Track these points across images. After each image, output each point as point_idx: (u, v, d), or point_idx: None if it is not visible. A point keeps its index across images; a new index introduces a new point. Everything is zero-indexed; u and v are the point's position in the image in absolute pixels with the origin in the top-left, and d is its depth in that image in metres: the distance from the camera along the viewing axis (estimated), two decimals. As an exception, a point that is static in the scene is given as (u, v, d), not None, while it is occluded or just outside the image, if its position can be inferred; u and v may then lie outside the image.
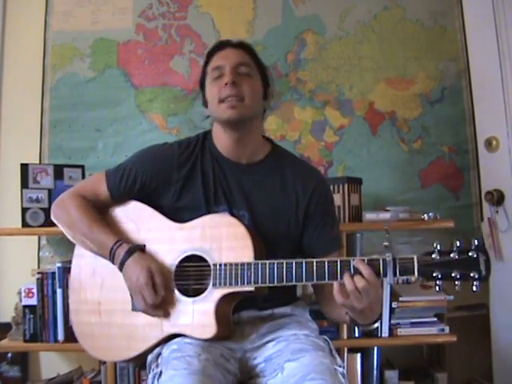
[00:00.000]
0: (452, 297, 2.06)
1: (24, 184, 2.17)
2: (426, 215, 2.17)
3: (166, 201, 1.49)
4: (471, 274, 1.20)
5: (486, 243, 2.35)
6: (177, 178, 1.48)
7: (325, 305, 1.51)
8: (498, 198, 2.27)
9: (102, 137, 2.48)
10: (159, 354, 1.39)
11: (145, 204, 1.50)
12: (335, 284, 1.25)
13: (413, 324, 2.09)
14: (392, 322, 2.08)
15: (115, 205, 1.53)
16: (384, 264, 1.24)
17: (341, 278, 1.26)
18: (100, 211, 1.52)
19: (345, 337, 2.08)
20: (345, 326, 2.08)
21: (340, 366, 1.31)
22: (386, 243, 1.25)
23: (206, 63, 1.52)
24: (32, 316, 2.09)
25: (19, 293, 2.15)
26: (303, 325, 1.47)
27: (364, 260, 1.26)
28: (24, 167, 2.18)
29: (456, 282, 1.22)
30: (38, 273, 2.11)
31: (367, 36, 2.54)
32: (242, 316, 1.44)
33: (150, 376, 1.36)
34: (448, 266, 1.21)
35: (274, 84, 1.59)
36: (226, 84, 1.42)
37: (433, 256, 1.23)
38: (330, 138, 2.51)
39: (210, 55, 1.52)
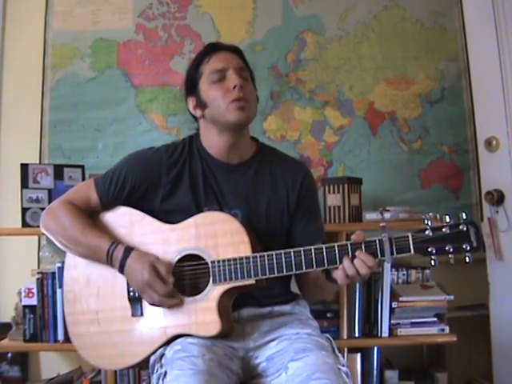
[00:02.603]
0: (452, 297, 2.07)
1: (24, 184, 2.17)
2: (425, 215, 2.17)
3: (155, 204, 1.49)
4: (463, 246, 1.26)
5: (486, 243, 2.35)
6: (166, 181, 1.48)
7: (306, 288, 1.55)
8: (498, 198, 2.26)
9: (102, 137, 2.48)
10: (162, 355, 1.39)
11: (134, 209, 1.50)
12: (339, 271, 1.29)
13: (413, 324, 2.09)
14: (392, 321, 2.08)
15: (105, 211, 1.52)
16: (381, 245, 1.28)
17: (340, 262, 1.30)
18: (91, 217, 1.51)
19: (345, 337, 2.08)
20: (345, 326, 2.08)
21: (343, 366, 1.32)
22: (382, 224, 1.29)
23: (199, 65, 1.50)
24: (32, 316, 2.08)
25: (19, 293, 2.14)
26: (305, 323, 1.47)
27: (361, 246, 1.28)
28: (24, 167, 2.18)
29: (450, 256, 1.27)
30: (38, 273, 2.10)
31: (367, 36, 2.54)
32: (241, 314, 1.45)
33: (155, 376, 1.35)
34: (441, 241, 1.27)
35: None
36: (235, 87, 1.43)
37: (426, 232, 1.28)
38: (330, 137, 2.51)
39: (204, 57, 1.50)
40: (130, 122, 2.49)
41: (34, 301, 2.08)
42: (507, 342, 2.20)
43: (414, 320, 2.09)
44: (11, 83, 2.50)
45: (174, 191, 1.48)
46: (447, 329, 2.09)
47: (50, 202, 2.15)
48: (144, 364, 1.46)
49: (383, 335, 2.09)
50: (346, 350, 2.08)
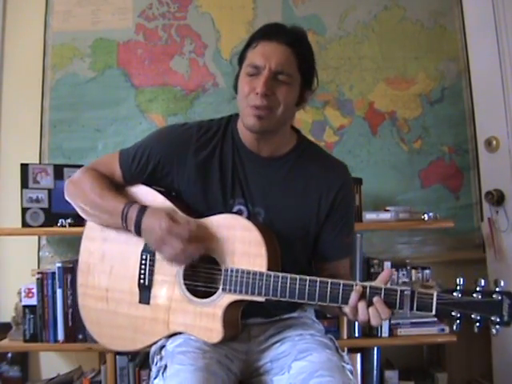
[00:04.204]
0: (452, 297, 2.07)
1: (24, 184, 2.17)
2: (425, 215, 2.17)
3: (178, 185, 1.43)
4: (492, 318, 1.14)
5: (486, 243, 2.35)
6: (191, 164, 1.40)
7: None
8: (497, 198, 2.27)
9: (102, 137, 2.48)
10: (163, 346, 1.38)
11: (156, 191, 1.45)
12: (351, 309, 1.23)
13: (413, 324, 2.09)
14: (392, 322, 2.08)
15: (127, 186, 1.48)
16: (401, 297, 1.20)
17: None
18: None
19: (345, 337, 2.08)
20: (345, 326, 2.08)
21: (347, 364, 1.30)
22: (405, 279, 1.21)
23: (248, 45, 1.36)
24: (32, 316, 2.09)
25: (19, 293, 2.15)
26: (309, 325, 1.47)
27: (381, 293, 1.21)
28: (24, 167, 2.18)
29: (476, 324, 1.16)
30: (38, 273, 2.11)
31: (367, 36, 2.53)
32: (248, 322, 1.42)
33: (155, 369, 1.34)
34: (468, 307, 1.16)
35: (317, 85, 1.43)
36: (257, 93, 1.30)
37: (454, 294, 1.17)
38: (330, 137, 2.51)
39: (254, 40, 1.35)
40: (129, 122, 2.49)
41: (33, 301, 2.09)
42: (507, 342, 2.20)
43: (413, 320, 2.09)
44: (11, 83, 2.50)
45: (200, 176, 1.40)
46: (447, 329, 2.09)
47: (50, 202, 2.17)
48: (143, 359, 1.44)
49: (383, 335, 2.09)
50: (346, 349, 2.08)
